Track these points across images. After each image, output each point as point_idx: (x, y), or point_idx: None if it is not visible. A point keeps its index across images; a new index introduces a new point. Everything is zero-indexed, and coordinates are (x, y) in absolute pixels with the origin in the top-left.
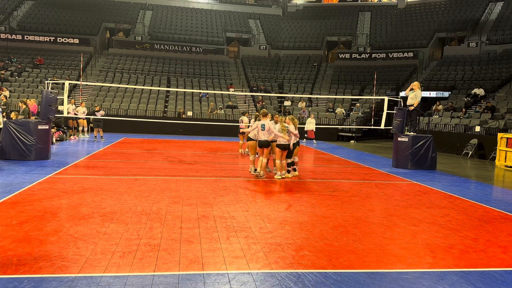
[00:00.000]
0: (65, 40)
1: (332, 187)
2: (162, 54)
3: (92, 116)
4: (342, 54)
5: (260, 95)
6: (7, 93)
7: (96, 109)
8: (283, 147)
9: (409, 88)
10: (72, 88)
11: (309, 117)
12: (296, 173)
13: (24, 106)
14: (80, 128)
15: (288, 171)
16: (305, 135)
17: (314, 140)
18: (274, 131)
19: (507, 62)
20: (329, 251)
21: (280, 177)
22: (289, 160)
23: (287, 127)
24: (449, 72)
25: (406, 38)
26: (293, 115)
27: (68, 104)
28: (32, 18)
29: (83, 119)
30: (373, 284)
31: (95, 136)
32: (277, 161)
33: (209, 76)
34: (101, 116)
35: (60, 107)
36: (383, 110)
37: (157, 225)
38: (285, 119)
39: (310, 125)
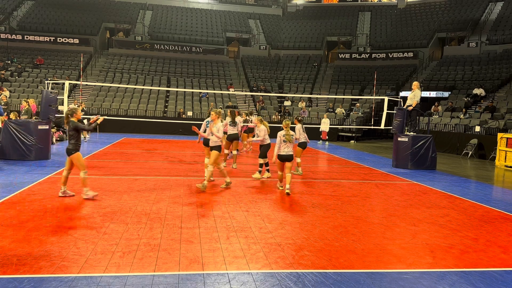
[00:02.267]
0: (65, 40)
1: (332, 187)
2: (162, 54)
3: (88, 116)
4: (342, 54)
5: (260, 95)
6: (7, 93)
7: (82, 107)
8: (285, 158)
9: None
10: (72, 88)
11: (322, 117)
12: (268, 174)
13: (27, 106)
14: None
15: (259, 171)
16: (321, 137)
17: (326, 142)
18: (215, 133)
19: (507, 62)
20: (329, 251)
21: (280, 187)
22: (262, 161)
23: (293, 135)
24: (449, 72)
25: (406, 38)
26: (261, 116)
27: (70, 104)
28: (32, 18)
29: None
30: (373, 284)
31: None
32: (279, 173)
33: (209, 76)
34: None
35: (60, 107)
36: (383, 110)
37: (157, 225)
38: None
39: (324, 125)
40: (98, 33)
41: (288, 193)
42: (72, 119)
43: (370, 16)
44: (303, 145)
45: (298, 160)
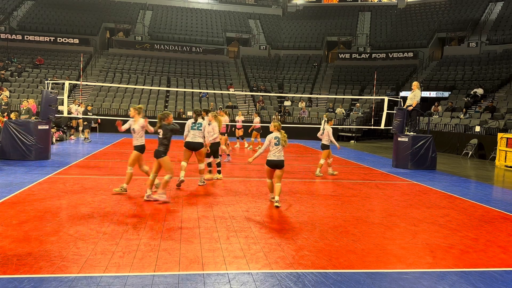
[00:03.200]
0: (65, 40)
1: (332, 187)
2: (162, 54)
3: (89, 116)
4: (342, 54)
5: (260, 95)
6: (7, 93)
7: (89, 109)
8: (276, 164)
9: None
10: (72, 88)
11: (322, 117)
12: (220, 176)
13: (28, 106)
14: (80, 128)
15: (210, 171)
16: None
17: None
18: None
19: (507, 62)
20: (329, 251)
21: (273, 198)
22: (209, 160)
23: (276, 137)
24: (449, 72)
25: (406, 38)
26: (216, 113)
27: (71, 104)
28: (32, 18)
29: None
30: (373, 284)
31: (85, 138)
32: (268, 181)
33: (209, 76)
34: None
35: (60, 107)
36: (383, 110)
37: (157, 225)
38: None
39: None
40: (98, 33)
41: (277, 206)
42: (164, 122)
43: (370, 16)
44: (325, 147)
45: (330, 160)
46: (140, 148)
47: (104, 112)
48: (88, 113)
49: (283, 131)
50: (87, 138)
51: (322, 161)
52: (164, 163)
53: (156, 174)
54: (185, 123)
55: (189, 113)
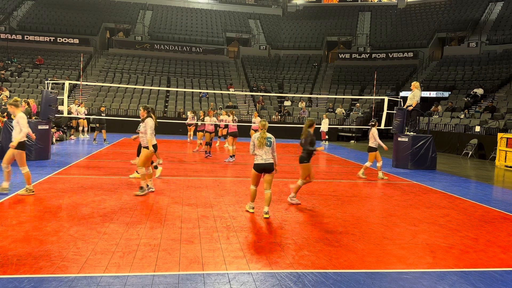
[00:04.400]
0: (65, 40)
1: (332, 187)
2: (162, 54)
3: (93, 116)
4: (342, 54)
5: (260, 95)
6: (7, 93)
7: (102, 109)
8: (263, 168)
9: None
10: (72, 88)
11: (322, 117)
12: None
13: (27, 106)
14: (80, 128)
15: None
16: (327, 137)
17: (326, 142)
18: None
19: (507, 62)
20: (329, 251)
21: (251, 209)
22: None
23: (270, 138)
24: (449, 72)
25: (406, 38)
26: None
27: (72, 104)
28: (32, 18)
29: (83, 119)
30: (373, 284)
31: (94, 138)
32: (252, 188)
33: (209, 76)
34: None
35: (60, 107)
36: (383, 110)
37: (157, 225)
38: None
39: (324, 125)
40: (98, 33)
41: (267, 218)
42: (309, 129)
43: (370, 16)
44: (372, 149)
45: (379, 164)
46: (20, 146)
47: (104, 112)
48: (102, 114)
49: (264, 130)
50: (105, 139)
51: (368, 164)
52: (303, 169)
53: (304, 180)
54: (184, 123)
55: (189, 113)
